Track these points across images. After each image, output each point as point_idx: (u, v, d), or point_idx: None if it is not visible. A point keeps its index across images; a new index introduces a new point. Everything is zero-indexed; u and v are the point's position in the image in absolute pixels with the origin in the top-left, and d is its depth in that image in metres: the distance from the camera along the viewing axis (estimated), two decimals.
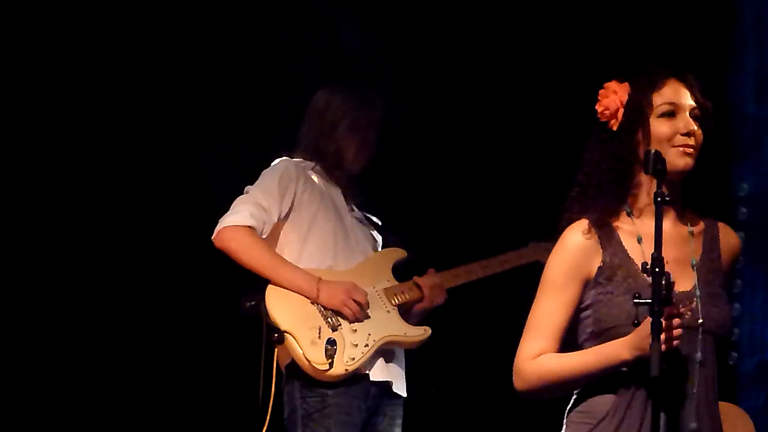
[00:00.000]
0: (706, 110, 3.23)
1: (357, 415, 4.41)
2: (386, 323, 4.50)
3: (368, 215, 4.81)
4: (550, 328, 3.17)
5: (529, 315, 3.21)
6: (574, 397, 3.19)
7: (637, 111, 3.19)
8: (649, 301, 2.99)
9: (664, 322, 2.96)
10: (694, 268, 3.20)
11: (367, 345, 4.41)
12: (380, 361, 4.48)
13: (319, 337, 4.37)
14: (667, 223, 3.17)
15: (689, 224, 3.24)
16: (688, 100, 3.20)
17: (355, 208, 4.74)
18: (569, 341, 3.20)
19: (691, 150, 3.16)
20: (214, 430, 5.57)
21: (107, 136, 5.61)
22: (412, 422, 4.70)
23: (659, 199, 3.04)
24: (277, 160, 4.64)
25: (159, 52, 5.58)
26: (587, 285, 3.18)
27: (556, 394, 3.20)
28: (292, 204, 4.54)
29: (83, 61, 5.54)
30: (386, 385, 4.49)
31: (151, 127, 5.63)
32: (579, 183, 3.25)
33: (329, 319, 4.42)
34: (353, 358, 4.37)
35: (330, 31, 5.68)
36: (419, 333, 4.54)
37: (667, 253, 3.06)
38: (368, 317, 4.47)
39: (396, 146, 4.95)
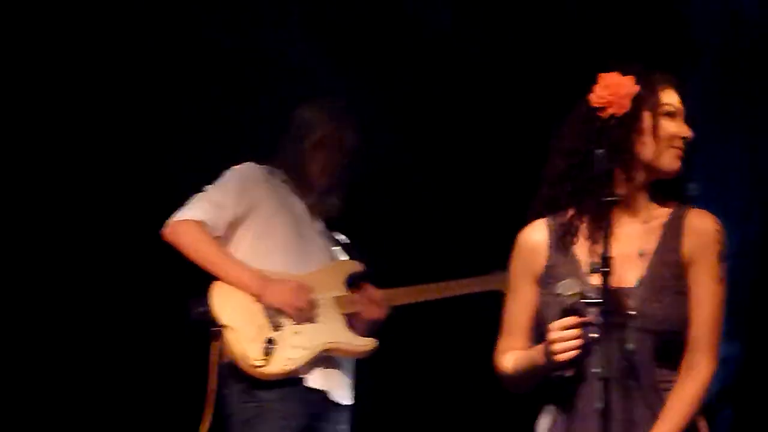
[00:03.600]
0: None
1: (295, 421, 4.36)
2: (331, 330, 4.46)
3: (336, 234, 4.76)
4: (513, 326, 3.26)
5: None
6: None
7: (651, 106, 3.18)
8: (600, 300, 3.04)
9: (557, 333, 3.05)
10: (642, 259, 3.17)
11: (307, 349, 4.38)
12: (320, 368, 4.43)
13: (259, 334, 4.33)
14: (623, 218, 3.19)
15: (648, 216, 3.21)
16: (680, 106, 3.23)
17: (321, 223, 4.70)
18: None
19: (683, 154, 3.20)
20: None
21: (65, 135, 5.54)
22: (362, 427, 4.68)
23: (608, 199, 3.08)
24: (243, 164, 4.62)
25: (123, 50, 5.51)
26: (539, 285, 3.22)
27: (522, 387, 3.26)
28: (250, 205, 4.51)
29: (44, 60, 5.47)
30: (324, 394, 4.45)
31: (115, 128, 5.56)
32: (569, 168, 3.20)
33: (272, 319, 4.38)
34: (291, 359, 4.33)
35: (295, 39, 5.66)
36: (364, 343, 4.51)
37: (615, 248, 3.09)
38: (314, 321, 4.44)
39: (371, 165, 4.91)
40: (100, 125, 5.54)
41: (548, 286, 3.17)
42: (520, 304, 3.25)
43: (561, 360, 3.06)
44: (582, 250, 3.17)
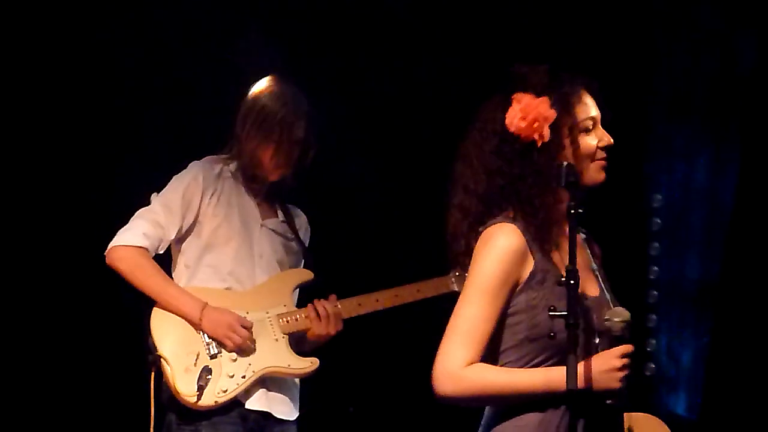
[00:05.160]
0: (606, 117, 3.25)
1: None
2: (270, 353, 4.37)
3: (296, 212, 4.61)
4: (481, 336, 3.06)
5: (457, 317, 3.08)
6: (501, 411, 3.11)
7: (570, 128, 3.15)
8: (565, 313, 2.99)
9: (622, 360, 3.02)
10: (595, 272, 3.23)
11: (244, 376, 4.30)
12: (260, 390, 4.35)
13: (195, 364, 4.27)
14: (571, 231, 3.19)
15: (581, 231, 3.28)
16: (597, 110, 3.21)
17: (279, 213, 4.57)
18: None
19: (606, 163, 3.19)
20: None
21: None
22: None
23: (572, 211, 3.04)
24: (190, 165, 4.50)
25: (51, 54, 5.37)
26: (516, 289, 3.10)
27: (483, 405, 3.15)
28: (196, 218, 4.43)
29: None
30: (265, 413, 4.37)
31: (61, 135, 5.42)
32: (495, 187, 3.17)
33: (210, 346, 4.32)
34: (225, 390, 4.27)
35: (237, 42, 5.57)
36: (304, 366, 4.40)
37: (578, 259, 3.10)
38: (252, 346, 4.36)
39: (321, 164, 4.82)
40: (49, 130, 5.41)
41: (536, 290, 3.09)
42: (495, 312, 3.08)
43: (619, 387, 3.02)
44: (558, 258, 3.14)
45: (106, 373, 5.30)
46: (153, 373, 4.26)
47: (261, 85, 4.53)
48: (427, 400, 2.99)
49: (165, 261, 4.49)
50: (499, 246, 3.08)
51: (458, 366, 3.05)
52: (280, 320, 4.42)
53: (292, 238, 4.61)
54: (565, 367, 2.98)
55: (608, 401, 3.02)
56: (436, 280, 4.57)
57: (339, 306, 4.46)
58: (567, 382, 2.94)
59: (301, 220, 4.68)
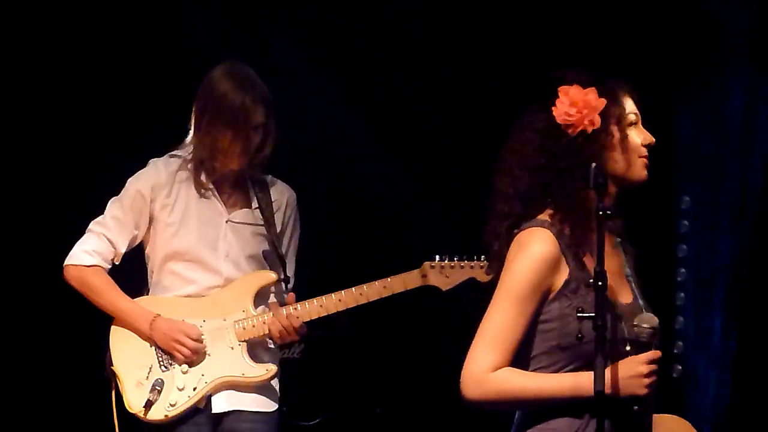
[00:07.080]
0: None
1: None
2: (224, 363, 4.32)
3: (269, 200, 4.46)
4: (509, 342, 3.07)
5: (486, 323, 3.08)
6: (531, 414, 3.12)
7: (618, 117, 3.15)
8: (593, 315, 2.98)
9: (648, 367, 3.00)
10: (628, 278, 3.20)
11: (195, 388, 4.28)
12: (222, 393, 4.33)
13: (148, 377, 4.28)
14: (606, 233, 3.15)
15: (615, 234, 3.23)
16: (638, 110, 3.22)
17: (253, 198, 4.44)
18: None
19: (648, 162, 3.18)
20: None
21: None
22: None
23: (601, 213, 3.01)
24: (143, 169, 4.45)
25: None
26: (548, 297, 3.08)
27: (511, 409, 3.15)
28: (149, 227, 4.43)
29: None
30: (233, 414, 4.35)
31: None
32: (538, 185, 3.14)
33: (163, 359, 4.32)
34: (174, 404, 4.26)
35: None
36: (260, 374, 4.33)
37: (609, 265, 3.05)
38: (205, 356, 4.34)
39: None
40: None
41: (569, 299, 3.08)
42: (524, 318, 3.07)
43: (644, 394, 3.01)
44: (590, 262, 3.09)
45: (78, 386, 5.28)
46: (113, 388, 4.29)
47: (218, 72, 4.41)
48: (454, 400, 2.97)
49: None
50: (532, 253, 3.08)
51: (484, 370, 3.06)
52: (236, 327, 4.36)
53: (264, 224, 4.46)
54: (592, 372, 2.99)
55: (635, 408, 3.01)
56: (403, 275, 4.42)
57: (298, 308, 4.37)
58: (594, 384, 2.95)
59: (283, 198, 4.52)
